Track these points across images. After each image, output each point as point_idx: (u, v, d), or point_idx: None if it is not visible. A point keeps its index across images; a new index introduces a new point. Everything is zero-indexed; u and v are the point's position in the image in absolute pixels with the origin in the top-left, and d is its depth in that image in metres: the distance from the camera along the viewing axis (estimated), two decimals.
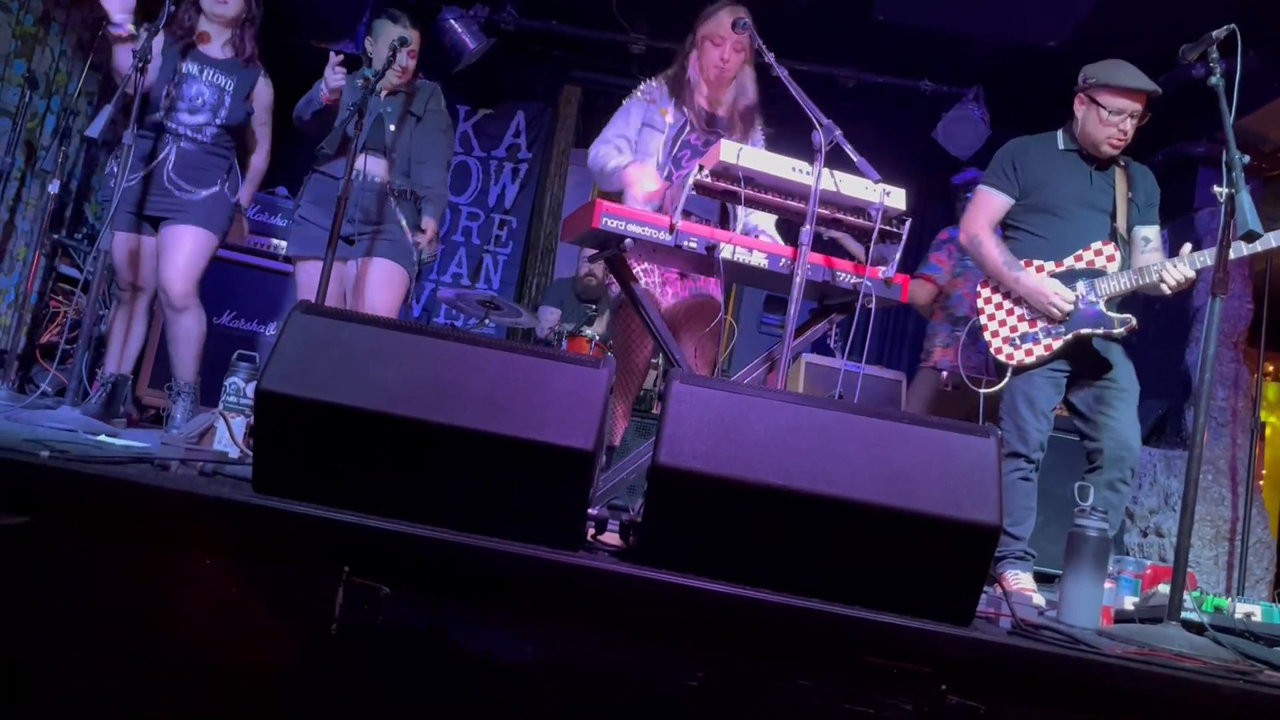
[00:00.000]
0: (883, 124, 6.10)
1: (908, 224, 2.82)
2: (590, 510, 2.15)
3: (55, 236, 4.52)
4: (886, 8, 5.54)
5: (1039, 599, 3.03)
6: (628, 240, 2.66)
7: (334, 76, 3.57)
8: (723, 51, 3.20)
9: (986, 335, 3.35)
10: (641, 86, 3.36)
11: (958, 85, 6.17)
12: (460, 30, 6.17)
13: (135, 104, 3.33)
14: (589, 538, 2.24)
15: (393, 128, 3.75)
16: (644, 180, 3.05)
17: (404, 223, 3.71)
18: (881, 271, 2.83)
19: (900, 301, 2.92)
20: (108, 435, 2.99)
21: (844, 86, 6.29)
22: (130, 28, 3.34)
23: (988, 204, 3.43)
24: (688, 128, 3.25)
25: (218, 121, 3.63)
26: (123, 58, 3.41)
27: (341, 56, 3.61)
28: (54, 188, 4.17)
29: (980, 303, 3.39)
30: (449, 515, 2.03)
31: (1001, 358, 3.30)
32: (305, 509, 1.96)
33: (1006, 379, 3.28)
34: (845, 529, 2.00)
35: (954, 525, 1.98)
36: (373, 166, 3.71)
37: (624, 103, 3.35)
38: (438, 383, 2.05)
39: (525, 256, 6.88)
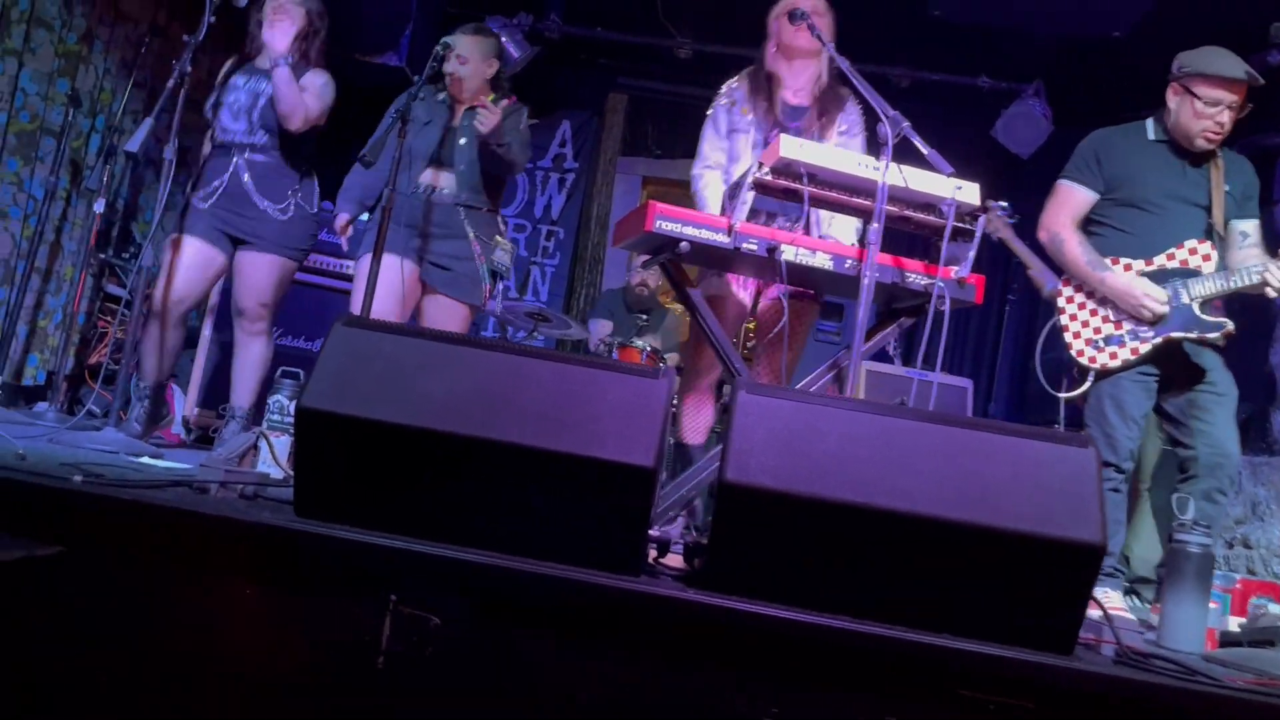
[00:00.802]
0: (940, 123, 5.86)
1: (981, 220, 2.65)
2: (652, 531, 2.01)
3: (102, 256, 4.49)
4: (941, 3, 5.35)
5: (1132, 618, 2.83)
6: (683, 244, 2.52)
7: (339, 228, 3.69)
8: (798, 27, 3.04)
9: (1067, 336, 3.14)
10: (723, 89, 3.24)
11: (1017, 81, 5.96)
12: (504, 40, 6.08)
13: (176, 115, 3.28)
14: (651, 560, 2.09)
15: (464, 141, 3.62)
16: None
17: (472, 234, 3.60)
18: (954, 271, 2.66)
19: (975, 303, 2.75)
20: (150, 457, 2.92)
21: (898, 86, 6.11)
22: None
23: (1069, 199, 3.22)
24: (770, 123, 3.12)
25: (256, 123, 3.54)
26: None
27: (349, 221, 3.71)
28: (99, 207, 4.12)
29: (1061, 302, 3.18)
30: (501, 538, 1.90)
31: (1084, 360, 3.09)
32: (348, 534, 1.85)
33: (1088, 383, 3.08)
34: (929, 549, 1.84)
35: (1051, 544, 1.80)
36: (444, 180, 3.60)
37: (708, 114, 3.24)
38: (487, 397, 1.93)
39: (573, 267, 6.77)
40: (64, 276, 4.37)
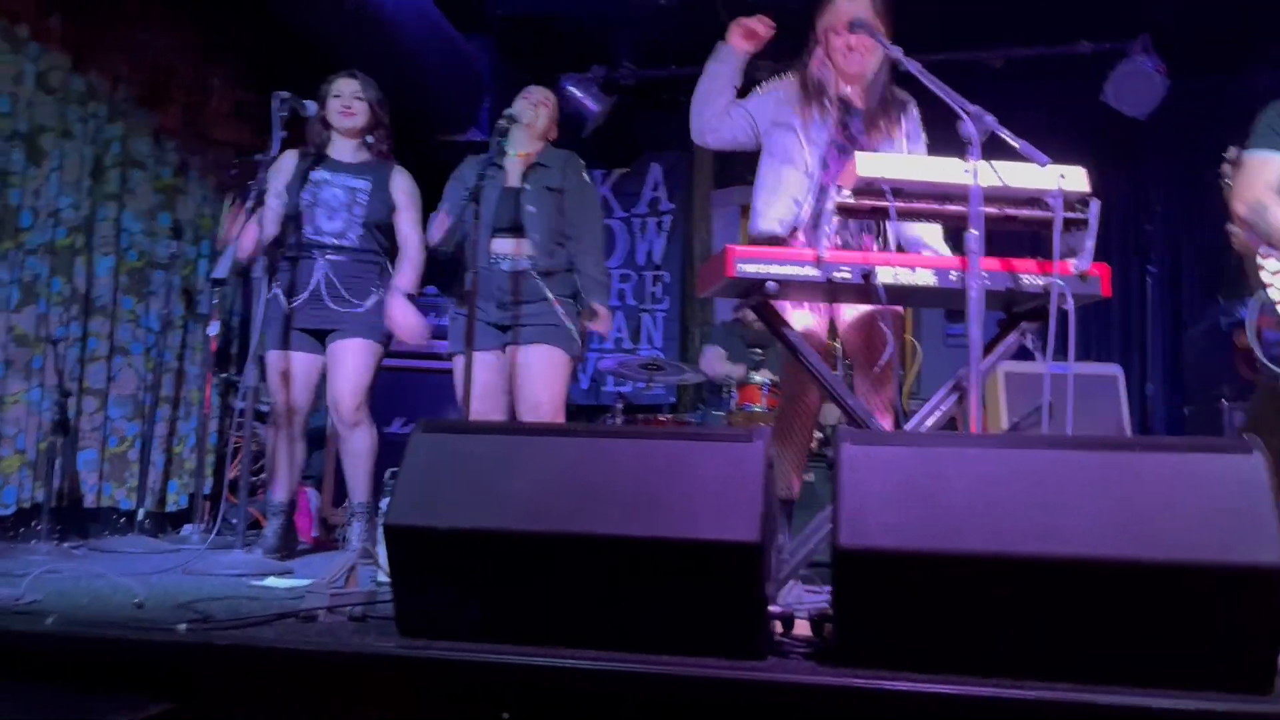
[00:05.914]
0: (1045, 100, 5.57)
1: (1095, 205, 2.40)
2: (773, 608, 1.85)
3: (224, 375, 4.62)
4: None
5: None
6: (770, 284, 2.36)
7: (433, 234, 3.57)
8: (848, 39, 2.85)
9: None
10: (769, 82, 2.98)
11: (1120, 39, 5.56)
12: (580, 95, 6.06)
13: (261, 232, 3.34)
14: (778, 636, 1.92)
15: (533, 209, 3.53)
16: None
17: (551, 296, 3.51)
18: (1074, 265, 2.41)
19: (1102, 295, 2.49)
20: (276, 576, 2.92)
21: (991, 68, 5.79)
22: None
23: (1262, 170, 2.83)
24: (826, 138, 2.89)
25: (357, 220, 3.54)
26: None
27: (444, 216, 3.59)
28: (213, 329, 4.22)
29: (1267, 275, 2.77)
30: (612, 634, 1.77)
31: None
32: (451, 653, 1.76)
33: None
34: (1087, 595, 1.62)
35: (1226, 573, 1.56)
36: (506, 247, 3.51)
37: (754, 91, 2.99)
38: (573, 487, 1.82)
39: (684, 309, 6.66)
40: (192, 401, 4.51)
